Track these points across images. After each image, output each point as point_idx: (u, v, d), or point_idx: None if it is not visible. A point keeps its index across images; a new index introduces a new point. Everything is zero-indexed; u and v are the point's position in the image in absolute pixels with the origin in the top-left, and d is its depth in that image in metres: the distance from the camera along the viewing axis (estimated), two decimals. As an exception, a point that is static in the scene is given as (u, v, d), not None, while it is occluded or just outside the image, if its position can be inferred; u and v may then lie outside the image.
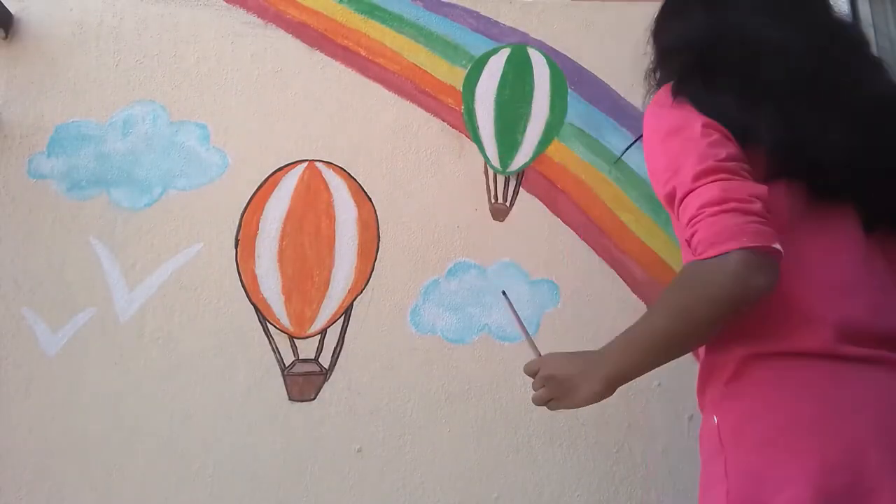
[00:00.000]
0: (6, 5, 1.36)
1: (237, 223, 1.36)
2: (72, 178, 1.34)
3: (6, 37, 1.38)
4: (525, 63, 1.49)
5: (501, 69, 1.48)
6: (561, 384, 0.88)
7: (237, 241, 1.35)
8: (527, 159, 1.45)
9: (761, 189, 0.75)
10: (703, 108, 0.81)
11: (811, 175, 0.80)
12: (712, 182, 0.75)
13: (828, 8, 0.94)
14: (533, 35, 1.50)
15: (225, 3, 1.45)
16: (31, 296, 1.29)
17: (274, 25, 1.45)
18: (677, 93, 0.85)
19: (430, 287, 1.38)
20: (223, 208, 1.36)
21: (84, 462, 1.24)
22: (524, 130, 1.46)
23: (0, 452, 1.23)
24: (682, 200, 0.77)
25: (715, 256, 0.71)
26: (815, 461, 0.68)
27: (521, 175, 1.44)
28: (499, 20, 1.50)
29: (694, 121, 0.80)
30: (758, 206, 0.72)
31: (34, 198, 1.33)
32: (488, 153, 1.44)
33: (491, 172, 1.44)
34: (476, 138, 1.45)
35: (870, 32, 1.46)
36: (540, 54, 1.50)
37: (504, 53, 1.49)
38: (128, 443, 1.25)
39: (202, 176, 1.37)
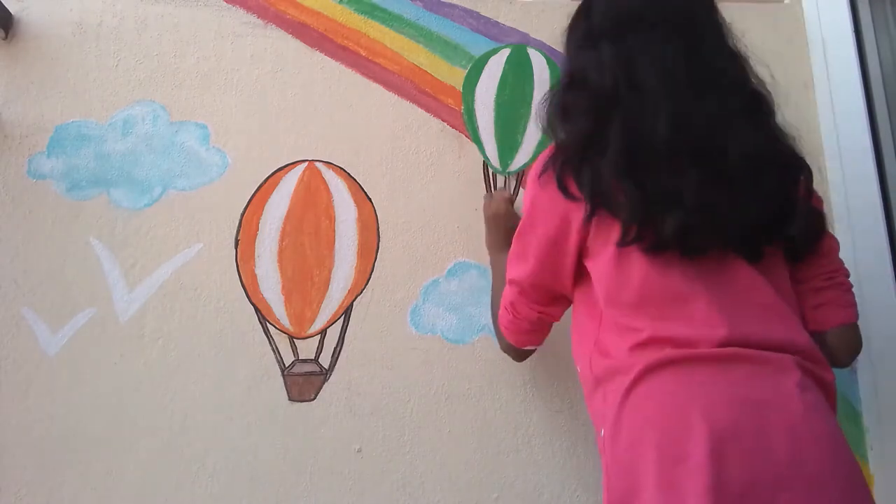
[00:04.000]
0: (6, 5, 1.36)
1: (237, 223, 1.36)
2: (72, 178, 1.34)
3: (6, 37, 1.38)
4: (525, 63, 1.49)
5: (501, 69, 1.48)
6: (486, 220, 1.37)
7: (237, 241, 1.35)
8: (527, 159, 1.45)
9: (534, 315, 1.08)
10: (563, 187, 0.94)
11: (673, 246, 0.88)
12: (514, 292, 1.07)
13: (719, 56, 0.95)
14: (533, 35, 1.50)
15: (225, 3, 1.45)
16: (31, 296, 1.29)
17: (274, 25, 1.45)
18: (546, 170, 0.97)
19: (430, 287, 1.38)
20: (223, 208, 1.36)
21: (84, 462, 1.24)
22: (524, 130, 1.46)
23: (0, 452, 1.23)
24: (507, 303, 1.10)
25: (504, 334, 1.15)
26: (654, 452, 0.79)
27: (521, 175, 1.45)
28: (499, 20, 1.51)
29: (539, 224, 0.99)
30: (525, 324, 1.10)
31: (34, 198, 1.33)
32: (488, 153, 1.44)
33: (491, 172, 1.44)
34: (476, 138, 1.45)
35: (870, 33, 1.47)
36: (540, 54, 1.50)
37: (504, 53, 1.49)
38: (128, 443, 1.25)
39: (202, 176, 1.37)
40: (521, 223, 1.03)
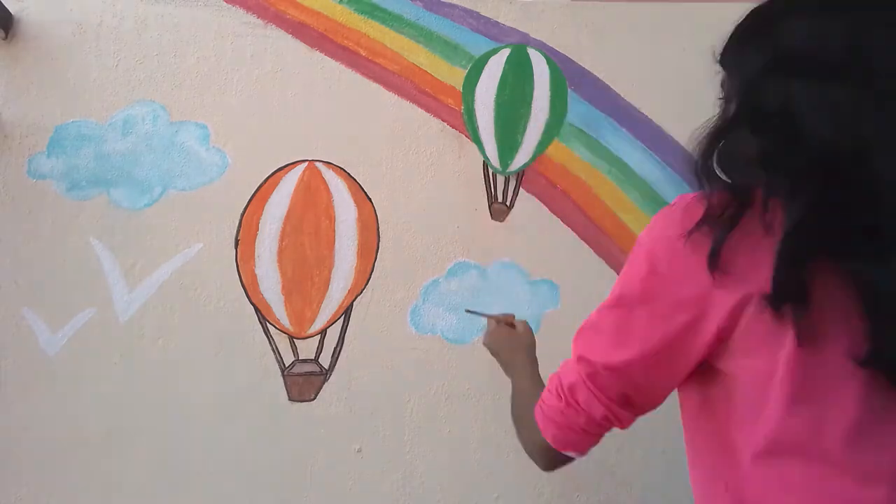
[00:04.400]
0: (6, 5, 1.36)
1: (237, 223, 1.36)
2: (72, 178, 1.34)
3: (6, 37, 1.38)
4: (525, 63, 1.49)
5: (501, 69, 1.48)
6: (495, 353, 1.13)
7: (237, 241, 1.35)
8: (527, 159, 1.45)
9: (599, 412, 0.76)
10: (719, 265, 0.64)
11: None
12: (582, 373, 0.77)
13: None
14: (533, 35, 1.50)
15: (225, 3, 1.45)
16: (31, 296, 1.29)
17: (274, 25, 1.45)
18: (696, 230, 0.65)
19: (430, 287, 1.38)
20: (223, 208, 1.36)
21: (84, 462, 1.24)
22: (524, 130, 1.46)
23: (0, 452, 1.23)
24: (573, 360, 0.79)
25: (541, 426, 0.82)
26: None
27: (521, 175, 1.44)
28: (499, 20, 1.50)
29: (661, 297, 0.69)
30: (581, 419, 0.78)
31: (34, 198, 1.33)
32: (488, 153, 1.44)
33: (491, 172, 1.44)
34: (476, 138, 1.45)
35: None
36: (540, 54, 1.50)
37: (504, 53, 1.49)
38: (128, 443, 1.25)
39: (202, 176, 1.37)
40: (624, 285, 0.74)
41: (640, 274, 0.71)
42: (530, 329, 1.11)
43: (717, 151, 0.68)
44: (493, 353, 1.13)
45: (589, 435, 0.80)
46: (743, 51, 0.70)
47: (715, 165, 0.68)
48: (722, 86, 0.73)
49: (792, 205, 0.60)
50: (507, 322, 1.14)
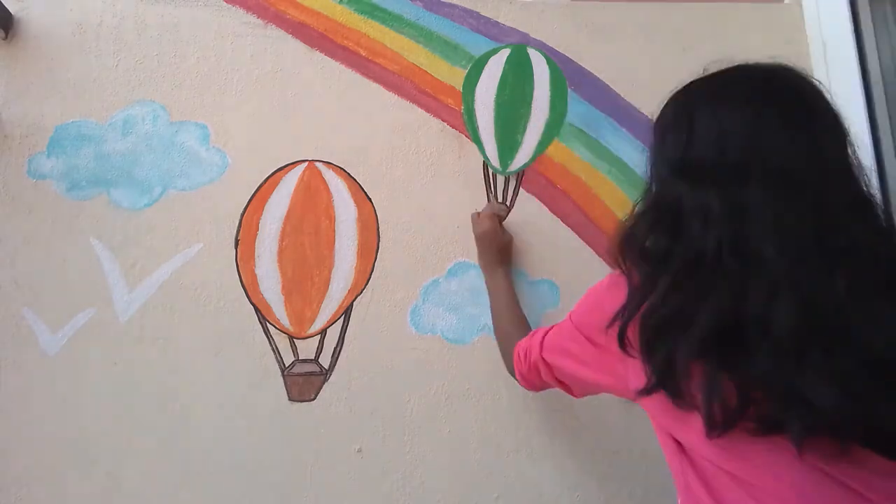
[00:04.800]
0: (6, 5, 1.36)
1: (237, 223, 1.36)
2: (72, 178, 1.34)
3: (6, 37, 1.38)
4: (525, 63, 1.49)
5: (501, 69, 1.48)
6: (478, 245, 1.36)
7: (237, 241, 1.35)
8: (527, 159, 1.45)
9: (552, 382, 1.01)
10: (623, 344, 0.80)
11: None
12: (538, 355, 1.00)
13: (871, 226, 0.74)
14: (533, 35, 1.50)
15: (225, 3, 1.45)
16: (31, 296, 1.29)
17: (274, 25, 1.45)
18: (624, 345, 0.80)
19: (430, 287, 1.38)
20: (223, 208, 1.36)
21: (84, 462, 1.24)
22: (524, 130, 1.46)
23: (0, 452, 1.23)
24: (540, 341, 1.01)
25: (518, 370, 1.08)
26: None
27: (521, 175, 1.44)
28: (499, 20, 1.50)
29: (588, 337, 0.88)
30: (539, 381, 1.04)
31: (34, 198, 1.33)
32: (488, 153, 1.44)
33: (491, 172, 1.44)
34: (476, 138, 1.45)
35: (870, 33, 1.47)
36: (540, 54, 1.50)
37: (504, 53, 1.49)
38: (128, 443, 1.25)
39: (202, 176, 1.37)
40: (577, 310, 0.91)
41: (588, 326, 0.88)
42: (495, 218, 1.34)
43: (632, 239, 0.81)
44: (476, 243, 1.36)
45: (547, 387, 1.04)
46: (662, 141, 0.83)
47: (635, 260, 0.80)
48: (649, 167, 0.86)
49: (668, 301, 0.73)
50: (499, 216, 1.35)
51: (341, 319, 1.35)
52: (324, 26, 1.46)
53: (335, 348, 1.33)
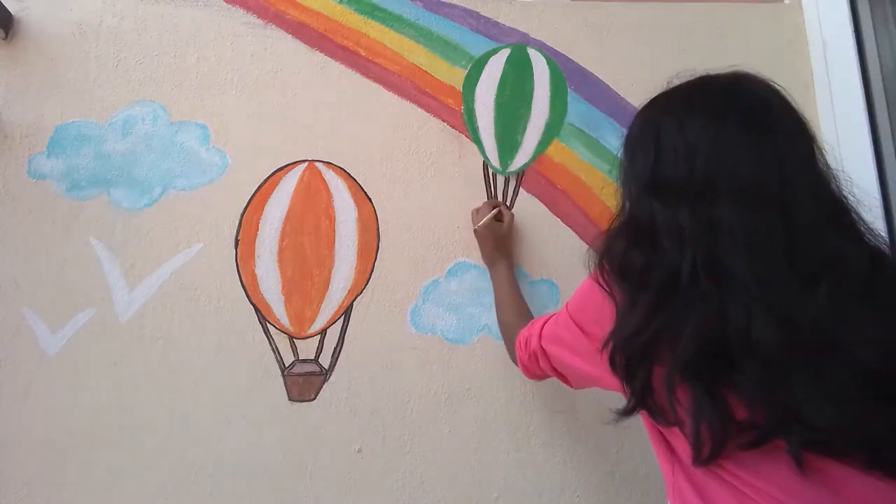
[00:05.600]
0: (6, 5, 1.36)
1: (237, 223, 1.36)
2: (72, 178, 1.34)
3: (6, 37, 1.38)
4: (525, 63, 1.49)
5: (501, 69, 1.48)
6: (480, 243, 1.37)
7: (237, 241, 1.35)
8: (527, 159, 1.45)
9: (550, 372, 1.01)
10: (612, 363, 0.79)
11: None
12: (538, 346, 1.00)
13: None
14: (533, 35, 1.50)
15: (225, 3, 1.45)
16: (31, 296, 1.29)
17: (274, 25, 1.45)
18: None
19: (430, 287, 1.38)
20: (223, 208, 1.36)
21: (84, 462, 1.24)
22: (524, 130, 1.46)
23: (0, 452, 1.23)
24: (539, 330, 1.00)
25: (520, 359, 1.08)
26: None
27: (521, 175, 1.44)
28: (499, 20, 1.50)
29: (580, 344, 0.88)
30: (539, 371, 1.04)
31: (34, 198, 1.33)
32: (488, 153, 1.44)
33: (491, 172, 1.44)
34: (476, 138, 1.45)
35: (870, 33, 1.47)
36: (540, 54, 1.50)
37: (504, 53, 1.49)
38: (128, 443, 1.25)
39: (202, 176, 1.37)
40: (572, 301, 0.91)
41: (581, 317, 0.88)
42: (512, 217, 1.36)
43: (611, 256, 0.81)
44: (478, 241, 1.36)
45: (547, 377, 1.04)
46: (632, 158, 0.84)
47: (614, 278, 0.80)
48: (619, 186, 0.87)
49: (651, 324, 0.72)
50: (496, 217, 1.33)
51: (341, 319, 1.35)
52: (324, 26, 1.46)
53: (335, 348, 1.33)
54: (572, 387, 1.01)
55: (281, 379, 1.31)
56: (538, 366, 1.02)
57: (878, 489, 0.66)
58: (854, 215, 0.75)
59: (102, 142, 1.37)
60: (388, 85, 1.45)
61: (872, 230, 0.75)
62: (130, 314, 1.30)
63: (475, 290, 1.38)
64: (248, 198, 1.37)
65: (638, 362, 0.74)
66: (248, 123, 1.40)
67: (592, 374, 0.88)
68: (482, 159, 1.44)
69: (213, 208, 1.36)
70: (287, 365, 1.31)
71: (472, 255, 1.39)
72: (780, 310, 0.67)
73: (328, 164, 1.40)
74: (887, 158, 1.40)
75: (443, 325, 1.36)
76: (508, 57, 1.49)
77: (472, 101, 1.46)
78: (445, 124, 1.45)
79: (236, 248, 1.35)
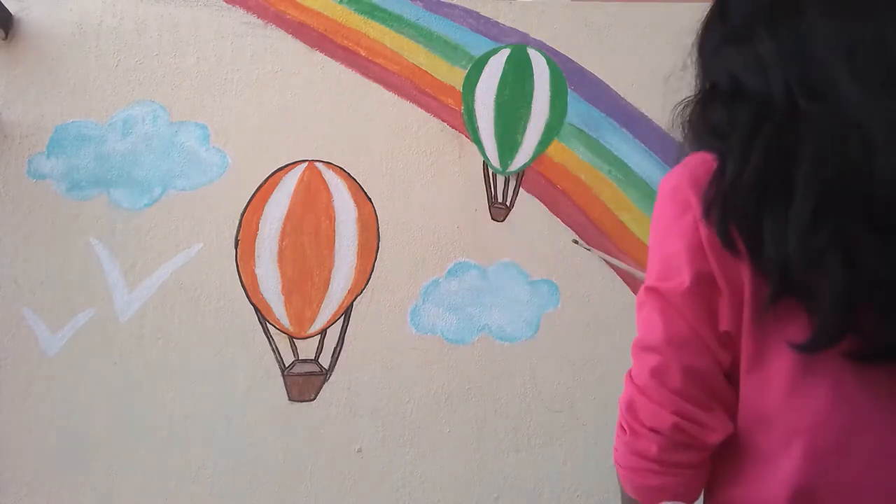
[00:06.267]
0: (6, 5, 1.36)
1: (237, 223, 1.36)
2: (72, 178, 1.34)
3: (6, 37, 1.38)
4: (525, 63, 1.49)
5: (501, 69, 1.47)
6: None
7: (237, 241, 1.35)
8: (527, 159, 1.45)
9: (665, 421, 0.60)
10: (728, 240, 0.59)
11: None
12: (646, 371, 0.62)
13: None
14: (533, 35, 1.50)
15: (225, 3, 1.45)
16: (31, 296, 1.29)
17: (274, 26, 1.45)
18: (713, 219, 0.59)
19: (430, 287, 1.38)
20: (223, 208, 1.36)
21: (84, 462, 1.24)
22: (524, 130, 1.46)
23: (0, 452, 1.23)
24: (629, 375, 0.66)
25: (620, 478, 0.69)
26: None
27: (521, 175, 1.44)
28: (499, 20, 1.50)
29: (685, 268, 0.61)
30: (653, 445, 0.61)
31: (34, 198, 1.33)
32: (488, 153, 1.44)
33: (491, 172, 1.44)
34: (476, 138, 1.45)
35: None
36: (540, 54, 1.49)
37: (504, 53, 1.49)
38: (128, 443, 1.25)
39: (202, 176, 1.37)
40: (650, 263, 0.66)
41: (654, 232, 0.68)
42: None
43: (697, 125, 0.69)
44: None
45: (672, 469, 0.62)
46: (706, 36, 0.73)
47: (704, 138, 0.67)
48: (695, 67, 0.74)
49: (743, 169, 0.58)
50: None
51: (341, 319, 1.35)
52: (324, 26, 1.46)
53: (335, 348, 1.33)
54: (716, 426, 0.61)
55: (281, 379, 1.31)
56: (643, 426, 0.62)
57: None
58: None
59: (102, 142, 1.37)
60: (388, 85, 1.45)
61: None
62: (130, 314, 1.30)
63: (475, 290, 1.38)
64: (248, 198, 1.37)
65: (758, 215, 0.57)
66: (248, 123, 1.40)
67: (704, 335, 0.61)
68: (482, 159, 1.44)
69: (213, 208, 1.36)
70: (287, 365, 1.31)
71: (472, 255, 1.39)
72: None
73: (328, 164, 1.40)
74: (887, 158, 1.39)
75: (443, 325, 1.36)
76: (508, 57, 1.49)
77: (472, 101, 1.46)
78: (445, 124, 1.45)
79: (236, 248, 1.35)
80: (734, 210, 0.58)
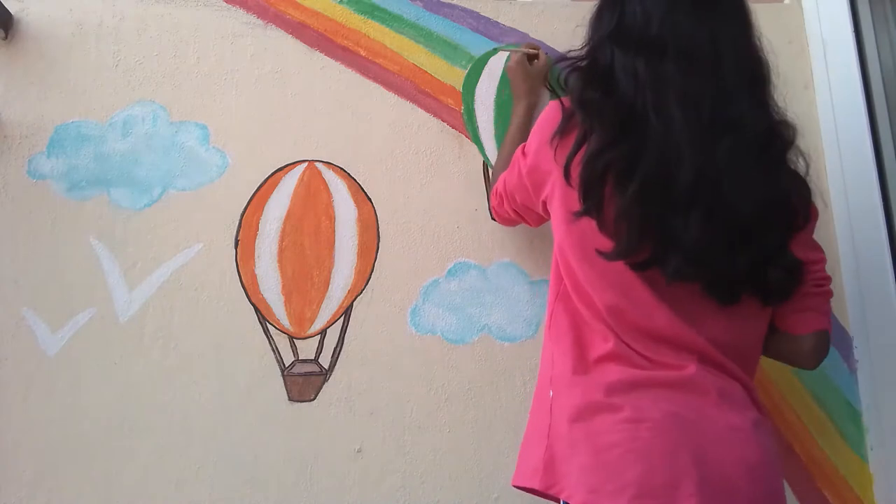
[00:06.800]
0: (6, 5, 1.36)
1: (237, 223, 1.36)
2: (72, 178, 1.34)
3: (6, 37, 1.38)
4: (525, 63, 1.48)
5: (501, 69, 1.47)
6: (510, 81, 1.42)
7: (237, 241, 1.35)
8: (527, 159, 1.45)
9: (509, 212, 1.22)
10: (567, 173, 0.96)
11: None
12: (500, 189, 1.21)
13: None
14: (533, 35, 1.50)
15: (225, 3, 1.45)
16: (31, 296, 1.29)
17: (274, 26, 1.45)
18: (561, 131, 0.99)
19: (430, 287, 1.38)
20: (223, 208, 1.36)
21: (84, 462, 1.24)
22: (524, 130, 1.46)
23: (0, 452, 1.23)
24: (497, 190, 1.23)
25: (491, 204, 1.30)
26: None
27: (521, 175, 1.44)
28: (499, 20, 1.50)
29: (531, 160, 1.06)
30: (506, 214, 1.24)
31: (34, 198, 1.33)
32: (488, 153, 1.44)
33: (491, 172, 1.44)
34: (476, 139, 1.45)
35: (870, 33, 1.47)
36: (540, 54, 1.49)
37: (504, 53, 1.49)
38: (128, 443, 1.25)
39: (202, 176, 1.37)
40: (528, 139, 1.09)
41: (532, 133, 1.09)
42: (546, 58, 1.39)
43: (577, 95, 0.97)
44: (509, 80, 1.40)
45: (518, 222, 1.26)
46: (599, 17, 1.01)
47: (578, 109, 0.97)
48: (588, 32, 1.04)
49: (611, 149, 0.90)
50: (529, 55, 1.38)
51: (341, 319, 1.35)
52: (324, 26, 1.46)
53: (335, 348, 1.33)
54: (531, 224, 1.22)
55: (281, 379, 1.31)
56: (504, 206, 1.21)
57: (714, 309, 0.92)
58: (769, 90, 0.95)
59: (102, 142, 1.37)
60: (388, 85, 1.45)
61: (778, 106, 0.96)
62: (130, 314, 1.30)
63: (475, 290, 1.38)
64: (248, 198, 1.37)
65: (598, 180, 0.90)
66: (248, 123, 1.40)
67: (544, 187, 1.04)
68: (482, 159, 1.44)
69: (213, 208, 1.36)
70: (287, 365, 1.31)
71: (472, 254, 1.39)
72: (698, 157, 0.85)
73: (328, 164, 1.41)
74: (887, 158, 1.40)
75: (443, 325, 1.36)
76: (509, 57, 1.48)
77: (472, 101, 1.46)
78: (445, 124, 1.45)
79: (236, 248, 1.35)
80: (587, 173, 0.92)
